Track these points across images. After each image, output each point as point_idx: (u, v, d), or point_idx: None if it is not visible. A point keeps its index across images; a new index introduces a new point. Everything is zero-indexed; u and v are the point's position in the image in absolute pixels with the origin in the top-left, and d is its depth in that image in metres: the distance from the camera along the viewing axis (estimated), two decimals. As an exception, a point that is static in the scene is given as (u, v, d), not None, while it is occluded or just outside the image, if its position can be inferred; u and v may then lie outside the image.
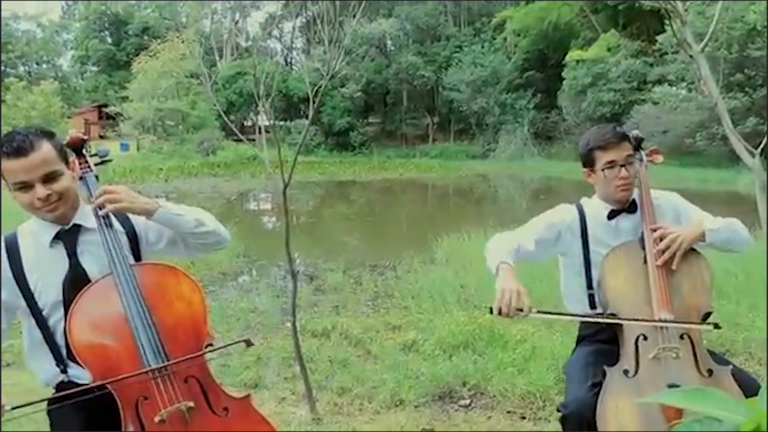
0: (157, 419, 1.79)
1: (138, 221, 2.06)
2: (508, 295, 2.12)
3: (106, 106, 38.43)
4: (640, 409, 2.09)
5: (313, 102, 3.93)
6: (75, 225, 1.98)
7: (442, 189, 23.50)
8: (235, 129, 5.17)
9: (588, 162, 2.44)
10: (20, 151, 1.84)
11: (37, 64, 50.96)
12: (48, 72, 48.71)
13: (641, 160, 2.51)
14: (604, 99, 27.96)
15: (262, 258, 9.25)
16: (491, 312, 2.15)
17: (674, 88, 23.66)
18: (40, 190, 1.87)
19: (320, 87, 4.08)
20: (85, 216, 2.00)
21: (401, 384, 4.02)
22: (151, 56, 33.01)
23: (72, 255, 1.96)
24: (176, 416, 1.82)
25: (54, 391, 1.98)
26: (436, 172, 27.71)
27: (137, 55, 35.33)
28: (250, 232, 12.66)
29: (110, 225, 1.99)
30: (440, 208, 18.19)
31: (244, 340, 2.00)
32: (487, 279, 6.40)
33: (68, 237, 1.97)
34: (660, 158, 2.56)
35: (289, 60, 49.09)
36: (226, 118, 5.13)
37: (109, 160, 2.25)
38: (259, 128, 38.04)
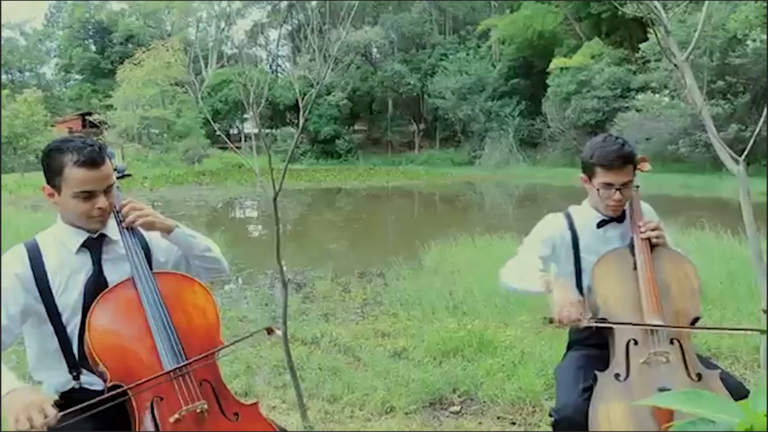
0: (172, 419, 1.83)
1: (151, 239, 2.14)
2: (567, 308, 2.15)
3: (90, 114, 38.18)
4: (632, 412, 2.12)
5: (303, 110, 3.94)
6: (101, 234, 2.06)
7: (429, 196, 23.56)
8: (224, 136, 5.17)
9: (587, 171, 2.46)
10: (95, 163, 1.95)
11: (20, 72, 50.60)
12: (31, 80, 48.39)
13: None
14: (588, 106, 28.16)
15: (250, 266, 9.22)
16: (550, 322, 2.19)
17: (657, 96, 23.89)
18: (103, 201, 1.99)
19: (310, 95, 4.10)
20: (110, 227, 2.08)
21: (392, 391, 4.03)
22: (135, 64, 32.86)
23: (96, 262, 2.03)
24: (191, 417, 1.86)
25: (58, 398, 1.99)
26: (422, 180, 27.77)
27: (121, 63, 35.15)
28: (236, 240, 12.61)
29: (133, 232, 2.08)
30: (427, 216, 18.23)
31: (266, 328, 2.06)
32: (475, 286, 6.45)
33: (94, 245, 2.05)
34: (647, 166, 2.60)
35: (274, 68, 49.09)
36: (214, 125, 5.12)
37: (128, 175, 2.32)
38: (245, 136, 38.10)
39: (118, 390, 1.83)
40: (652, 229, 2.39)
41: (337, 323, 5.88)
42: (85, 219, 2.00)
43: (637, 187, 2.52)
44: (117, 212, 2.07)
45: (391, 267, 8.00)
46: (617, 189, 2.38)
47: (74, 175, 1.93)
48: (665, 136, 23.49)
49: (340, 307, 6.60)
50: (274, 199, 3.55)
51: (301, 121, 3.96)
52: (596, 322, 2.24)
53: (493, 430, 3.63)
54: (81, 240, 2.03)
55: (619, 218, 2.49)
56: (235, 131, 43.87)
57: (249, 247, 12.43)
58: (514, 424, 3.70)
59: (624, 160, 2.36)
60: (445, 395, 4.04)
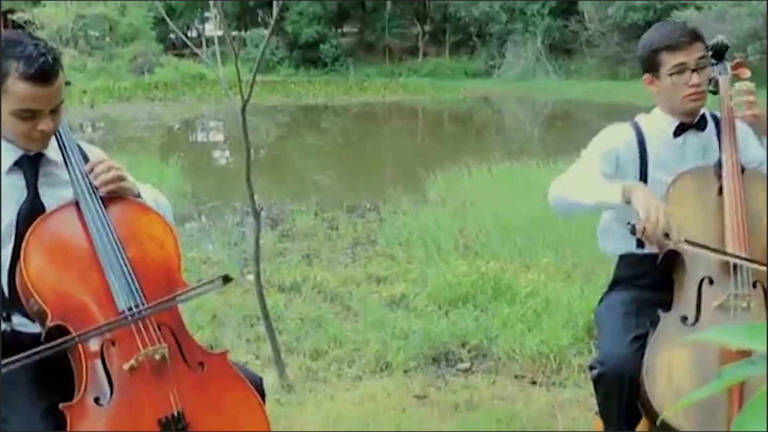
0: (127, 366, 1.88)
1: None
2: (655, 213, 2.15)
3: (12, 12, 37.54)
4: (698, 362, 2.16)
5: (277, 5, 3.90)
6: (39, 153, 2.07)
7: (436, 114, 23.45)
8: (184, 38, 5.10)
9: (651, 66, 2.47)
10: (47, 78, 1.90)
11: None
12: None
13: (725, 71, 2.55)
14: (635, 2, 27.78)
15: (214, 199, 9.26)
16: (632, 232, 2.19)
17: (722, -11, 23.53)
18: (47, 123, 1.96)
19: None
20: (49, 146, 2.09)
21: (388, 345, 4.12)
22: (67, -53, 32.15)
23: (31, 185, 2.05)
24: (149, 365, 1.90)
25: None
26: (427, 94, 27.56)
27: (50, -55, 34.37)
28: (197, 168, 12.62)
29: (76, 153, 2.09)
30: (433, 138, 18.19)
31: (223, 276, 2.08)
32: (491, 222, 6.51)
33: (29, 165, 2.06)
34: (747, 73, 2.59)
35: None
36: (171, 24, 5.03)
37: (67, 83, 2.27)
38: (207, 40, 37.55)
39: (67, 338, 1.87)
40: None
41: (322, 266, 5.95)
42: (23, 140, 2.01)
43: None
44: (59, 134, 2.08)
45: (388, 200, 8.03)
46: (693, 70, 2.39)
47: (18, 89, 1.90)
48: (731, 40, 23.18)
49: (326, 246, 6.66)
50: (242, 110, 3.55)
51: (275, 13, 3.92)
52: (688, 245, 2.22)
53: (509, 391, 3.72)
54: (14, 158, 2.04)
55: (699, 124, 2.50)
56: (194, 34, 43.26)
57: (213, 177, 12.47)
58: (534, 383, 3.79)
59: (691, 35, 2.42)
60: (453, 350, 4.14)
